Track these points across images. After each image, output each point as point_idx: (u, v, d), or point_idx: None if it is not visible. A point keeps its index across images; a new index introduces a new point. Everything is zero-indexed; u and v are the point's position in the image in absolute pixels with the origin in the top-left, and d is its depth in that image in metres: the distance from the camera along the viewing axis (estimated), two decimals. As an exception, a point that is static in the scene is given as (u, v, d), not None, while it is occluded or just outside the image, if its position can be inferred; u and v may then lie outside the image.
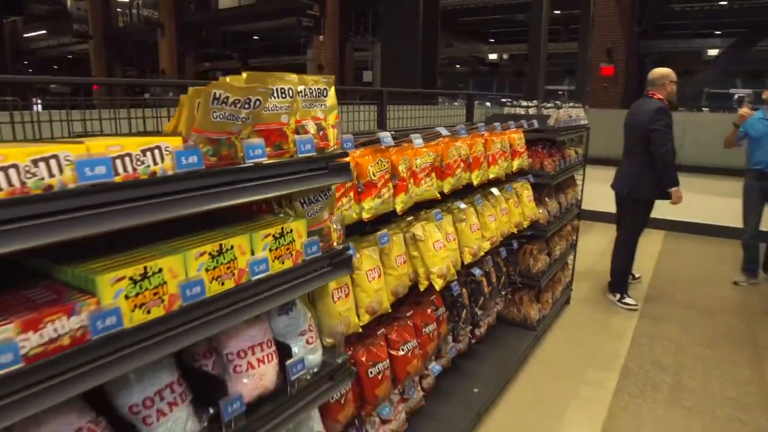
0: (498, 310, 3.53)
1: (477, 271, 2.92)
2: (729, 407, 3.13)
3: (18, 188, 0.82)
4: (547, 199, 3.60)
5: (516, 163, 3.04)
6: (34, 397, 0.87)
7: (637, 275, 5.27)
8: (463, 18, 21.11)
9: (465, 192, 2.82)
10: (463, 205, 2.71)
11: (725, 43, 19.02)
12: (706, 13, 18.60)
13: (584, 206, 7.69)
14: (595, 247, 6.50)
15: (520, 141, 3.08)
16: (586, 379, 3.41)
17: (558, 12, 18.96)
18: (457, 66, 31.81)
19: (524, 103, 3.63)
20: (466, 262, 2.68)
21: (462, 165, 2.65)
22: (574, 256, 4.53)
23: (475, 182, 2.76)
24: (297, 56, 23.54)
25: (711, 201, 6.70)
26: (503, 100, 3.79)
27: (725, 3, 17.01)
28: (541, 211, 3.46)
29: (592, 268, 5.66)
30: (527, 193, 3.23)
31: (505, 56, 25.87)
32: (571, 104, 3.87)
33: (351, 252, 1.67)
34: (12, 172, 0.82)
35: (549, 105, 3.54)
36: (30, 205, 0.83)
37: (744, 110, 4.91)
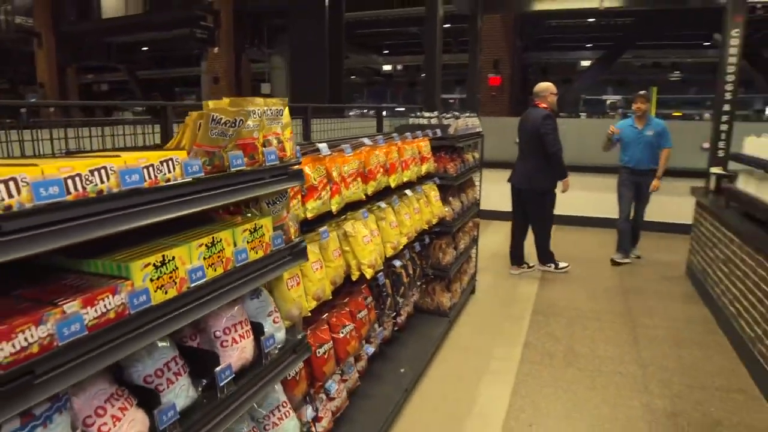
0: (415, 300, 3.94)
1: (397, 263, 3.29)
2: (611, 364, 3.75)
3: (81, 192, 1.07)
4: (451, 198, 4.06)
5: (424, 168, 3.46)
6: (95, 359, 1.11)
7: (531, 264, 5.93)
8: (359, 30, 21.75)
9: (384, 194, 3.19)
10: (383, 205, 3.08)
11: (595, 54, 21.09)
12: (578, 28, 20.54)
13: (481, 206, 8.39)
14: (493, 242, 7.14)
15: (427, 148, 3.51)
16: (495, 355, 3.90)
17: (448, 26, 20.07)
18: (353, 77, 32.49)
19: (427, 114, 4.08)
20: (388, 255, 3.05)
21: (381, 170, 3.02)
22: (476, 250, 5.06)
23: (393, 185, 3.15)
24: (190, 68, 23.04)
25: (591, 196, 7.58)
26: (398, 109, 4.23)
27: (593, 20, 18.85)
28: (447, 209, 3.91)
29: (492, 261, 6.26)
30: (434, 194, 3.66)
31: (399, 67, 26.87)
32: (467, 114, 4.37)
33: (305, 244, 1.97)
34: (77, 179, 1.06)
35: (449, 115, 4.00)
36: (91, 206, 1.08)
37: (612, 129, 5.90)
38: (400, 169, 3.27)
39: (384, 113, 4.38)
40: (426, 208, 3.53)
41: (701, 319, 4.59)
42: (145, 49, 23.92)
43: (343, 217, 2.72)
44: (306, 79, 5.88)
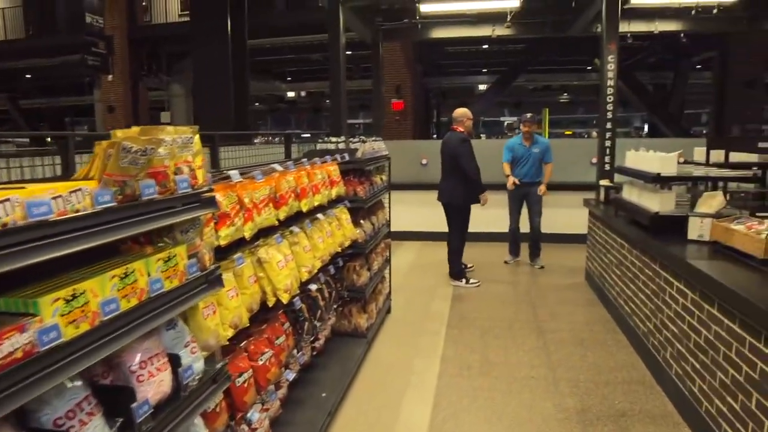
0: (332, 324, 3.95)
1: (313, 287, 3.30)
2: (524, 369, 3.94)
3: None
4: (362, 220, 4.14)
5: (335, 191, 3.52)
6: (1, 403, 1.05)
7: (469, 265, 6.60)
8: (261, 57, 21.66)
9: (297, 218, 3.20)
10: (296, 230, 3.09)
11: (491, 79, 22.27)
12: (474, 54, 21.65)
13: (392, 227, 8.53)
14: (405, 262, 7.29)
15: (336, 172, 3.57)
16: (414, 370, 3.98)
17: (350, 52, 20.48)
18: (257, 104, 32.19)
19: (334, 139, 4.15)
20: (303, 280, 3.05)
21: (293, 195, 3.04)
22: (390, 271, 5.15)
23: (304, 209, 3.17)
24: (82, 97, 21.87)
25: (493, 212, 7.94)
26: (304, 135, 4.29)
27: (488, 47, 19.95)
28: (359, 231, 3.97)
29: (406, 279, 6.39)
30: (345, 217, 3.72)
31: (302, 93, 26.96)
32: (373, 138, 4.49)
33: (220, 272, 1.94)
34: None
35: (355, 140, 4.10)
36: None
37: (511, 180, 6.71)
38: (311, 194, 3.30)
39: (293, 139, 4.41)
40: (338, 231, 3.58)
41: (601, 319, 4.93)
42: (28, 76, 22.37)
43: (257, 243, 2.71)
44: (210, 107, 5.78)
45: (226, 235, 2.23)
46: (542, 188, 6.67)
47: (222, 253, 2.36)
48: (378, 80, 8.41)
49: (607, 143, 5.86)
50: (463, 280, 6.13)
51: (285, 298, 2.69)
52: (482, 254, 7.57)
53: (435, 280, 6.41)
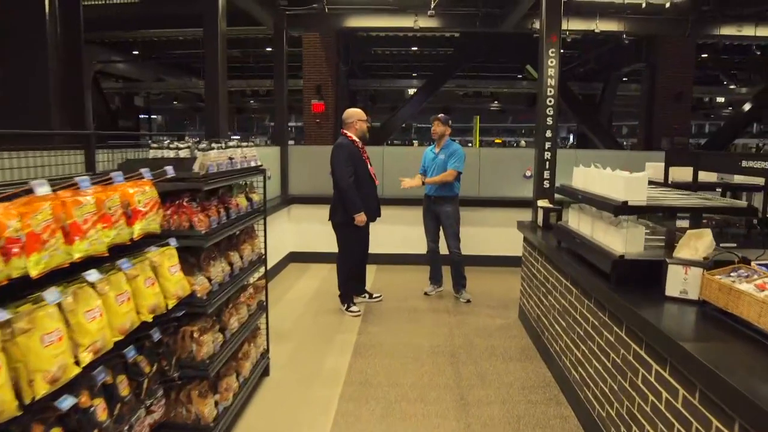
0: (157, 419, 2.60)
1: (102, 376, 1.96)
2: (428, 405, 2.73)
3: None
4: (208, 264, 2.82)
5: (138, 228, 2.18)
6: None
7: (375, 294, 5.69)
8: (174, 51, 19.76)
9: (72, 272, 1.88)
10: (52, 297, 1.75)
11: (420, 83, 21.32)
12: (403, 57, 20.64)
13: (300, 248, 7.23)
14: (305, 293, 6.01)
15: (145, 196, 2.23)
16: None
17: (270, 50, 18.97)
18: (175, 102, 29.99)
19: (175, 145, 2.81)
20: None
21: (57, 234, 1.72)
22: (267, 319, 3.84)
23: (77, 256, 1.84)
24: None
25: (410, 231, 6.79)
26: (150, 141, 2.92)
27: (416, 49, 18.98)
28: (198, 280, 2.66)
29: (299, 321, 5.11)
30: (169, 263, 2.39)
31: (223, 92, 24.95)
32: (235, 143, 3.18)
33: None
34: None
35: (203, 145, 2.78)
36: None
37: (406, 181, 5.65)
38: (99, 229, 1.97)
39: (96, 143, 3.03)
40: (149, 288, 2.25)
41: (541, 383, 3.82)
42: None
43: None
44: (14, 92, 4.26)
45: None
46: (410, 182, 5.54)
47: None
48: (280, 76, 7.09)
49: (547, 155, 4.79)
50: (345, 305, 5.30)
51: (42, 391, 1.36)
52: (399, 281, 6.39)
53: (336, 317, 5.16)
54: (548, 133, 4.75)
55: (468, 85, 22.13)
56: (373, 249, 5.56)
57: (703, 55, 17.39)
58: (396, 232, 7.01)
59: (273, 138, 7.26)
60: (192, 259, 2.74)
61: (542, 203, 4.61)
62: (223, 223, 2.86)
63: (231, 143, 3.09)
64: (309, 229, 7.12)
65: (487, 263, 6.97)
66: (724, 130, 18.77)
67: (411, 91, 23.15)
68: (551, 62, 4.64)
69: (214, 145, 2.79)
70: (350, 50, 17.49)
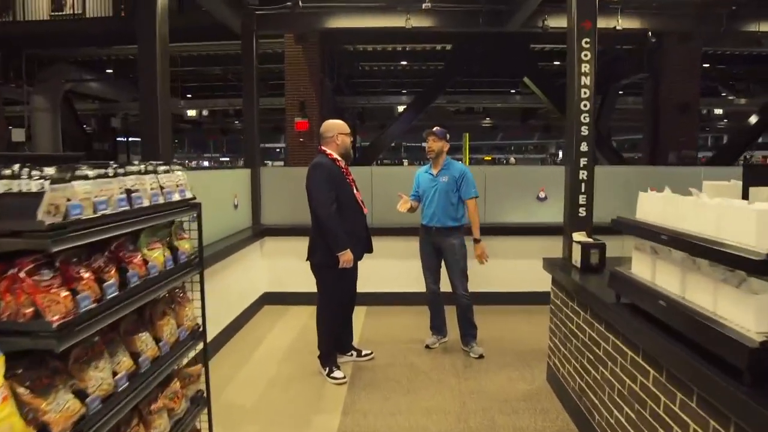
0: None
1: None
2: None
3: None
4: (92, 363, 1.71)
5: None
6: None
7: (365, 352, 4.54)
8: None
9: None
10: None
11: (410, 99, 20.39)
12: (392, 73, 19.71)
13: (276, 288, 6.09)
14: (282, 343, 4.89)
15: None
16: None
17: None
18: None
19: (38, 173, 1.70)
20: None
21: None
22: (209, 415, 2.70)
23: None
24: None
25: (405, 266, 5.69)
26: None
27: (405, 64, 18.08)
28: (57, 401, 1.53)
29: (273, 386, 3.98)
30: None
31: (204, 112, 23.87)
32: (143, 167, 2.07)
33: None
34: None
35: (63, 174, 1.65)
36: None
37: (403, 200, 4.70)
38: None
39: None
40: None
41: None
42: None
43: None
44: None
45: None
46: (479, 250, 4.56)
47: None
48: (250, 87, 6.03)
49: (582, 174, 3.72)
50: (326, 369, 4.14)
51: None
52: (394, 329, 5.27)
53: (315, 386, 4.04)
54: (583, 146, 3.68)
55: (460, 100, 21.23)
56: (361, 287, 4.47)
57: (705, 65, 16.59)
58: (388, 267, 5.91)
59: (244, 159, 6.17)
60: (55, 363, 1.63)
61: (579, 237, 3.54)
62: (113, 298, 1.75)
63: (134, 168, 1.98)
64: (286, 265, 6.00)
65: (496, 301, 5.88)
66: (732, 143, 17.97)
67: (401, 108, 22.20)
68: (585, 55, 3.60)
69: (87, 171, 1.69)
70: (336, 65, 16.52)
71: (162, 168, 2.20)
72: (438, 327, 4.81)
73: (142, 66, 3.96)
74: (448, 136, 4.55)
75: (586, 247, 3.38)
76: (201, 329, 2.50)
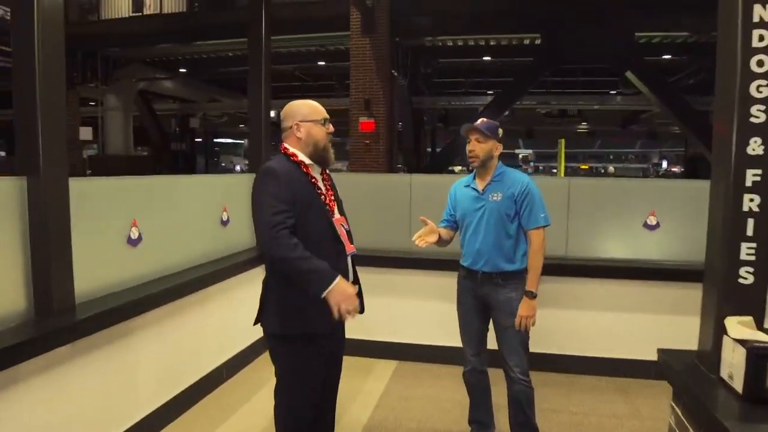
0: None
1: None
2: None
3: None
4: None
5: None
6: None
7: None
8: (221, 68, 18.14)
9: None
10: None
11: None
12: (474, 69, 17.96)
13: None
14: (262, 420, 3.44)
15: None
16: None
17: (323, 63, 16.95)
18: (242, 126, 28.73)
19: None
20: None
21: None
22: None
23: None
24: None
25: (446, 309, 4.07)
26: None
27: (488, 59, 16.30)
28: None
29: None
30: None
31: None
32: None
33: None
34: None
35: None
36: None
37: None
38: None
39: None
40: None
41: None
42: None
43: None
44: None
45: None
46: (526, 308, 2.84)
47: None
48: (257, 76, 4.72)
49: (750, 202, 1.91)
50: None
51: None
52: (422, 402, 3.64)
53: None
54: (754, 146, 1.90)
55: (551, 101, 19.02)
56: (386, 335, 2.90)
57: None
58: (425, 311, 4.36)
59: (249, 164, 4.69)
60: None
61: (738, 327, 1.79)
62: None
63: None
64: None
65: (570, 369, 4.16)
66: None
67: (486, 110, 20.31)
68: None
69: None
70: (411, 61, 15.04)
71: None
72: (481, 419, 3.16)
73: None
74: (500, 132, 2.94)
75: (760, 356, 1.64)
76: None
